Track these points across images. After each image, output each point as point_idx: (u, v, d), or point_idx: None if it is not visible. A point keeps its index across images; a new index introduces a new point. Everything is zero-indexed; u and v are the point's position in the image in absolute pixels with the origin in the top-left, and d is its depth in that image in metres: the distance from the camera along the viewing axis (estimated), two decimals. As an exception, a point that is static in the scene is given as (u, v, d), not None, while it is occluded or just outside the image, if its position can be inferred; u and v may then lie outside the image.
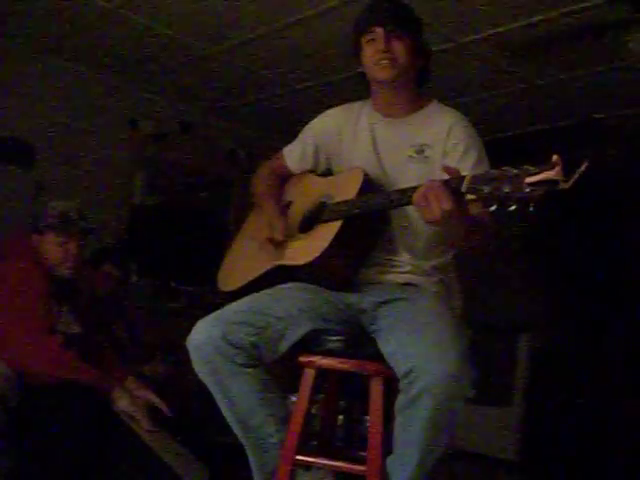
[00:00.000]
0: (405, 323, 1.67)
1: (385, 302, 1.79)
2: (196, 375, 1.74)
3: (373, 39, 1.85)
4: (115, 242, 4.24)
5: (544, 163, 1.38)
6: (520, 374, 4.62)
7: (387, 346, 1.65)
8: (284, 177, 2.13)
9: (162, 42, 3.84)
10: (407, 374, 1.53)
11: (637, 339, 4.32)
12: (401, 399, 1.58)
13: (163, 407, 2.50)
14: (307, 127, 2.08)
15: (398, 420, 1.61)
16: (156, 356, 3.48)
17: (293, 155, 2.09)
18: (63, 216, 2.62)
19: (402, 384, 1.56)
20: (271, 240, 1.92)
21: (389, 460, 1.66)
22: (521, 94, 4.10)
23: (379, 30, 1.84)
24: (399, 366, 1.57)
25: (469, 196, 1.51)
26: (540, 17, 3.15)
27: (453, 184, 1.51)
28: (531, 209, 1.39)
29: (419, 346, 1.56)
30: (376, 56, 1.84)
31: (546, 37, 3.34)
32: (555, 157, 1.37)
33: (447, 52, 3.51)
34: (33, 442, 2.29)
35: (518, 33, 3.32)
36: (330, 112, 2.06)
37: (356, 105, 2.02)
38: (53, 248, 2.60)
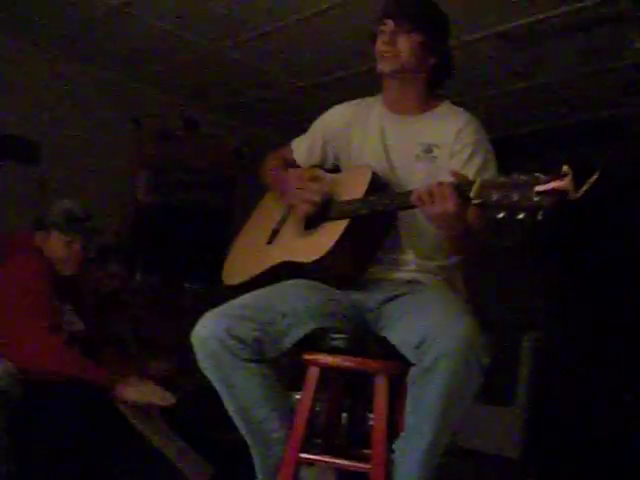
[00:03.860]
0: (412, 310, 1.68)
1: (390, 299, 1.80)
2: (200, 372, 1.74)
3: (383, 31, 1.85)
4: (120, 240, 4.24)
5: (554, 172, 1.37)
6: (523, 373, 4.62)
7: (396, 334, 1.65)
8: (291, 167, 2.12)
9: (167, 40, 3.84)
10: (420, 344, 1.53)
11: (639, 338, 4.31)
12: (414, 371, 1.57)
13: (168, 398, 2.48)
14: (317, 121, 2.08)
15: (411, 394, 1.59)
16: (160, 354, 3.48)
17: (301, 148, 2.09)
18: (69, 215, 2.62)
19: (415, 357, 1.55)
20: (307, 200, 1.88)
21: (397, 444, 1.64)
22: (525, 92, 4.09)
23: (389, 22, 1.84)
24: (411, 341, 1.56)
25: (475, 201, 1.50)
26: (544, 14, 3.15)
27: (462, 188, 1.51)
28: (540, 218, 1.39)
29: (429, 319, 1.56)
30: (381, 48, 1.85)
31: (550, 34, 3.33)
32: (565, 167, 1.36)
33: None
34: (35, 439, 2.29)
35: (522, 30, 3.32)
36: (340, 107, 2.05)
37: (367, 100, 2.02)
38: (58, 246, 2.61)
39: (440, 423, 1.56)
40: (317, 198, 1.86)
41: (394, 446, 1.64)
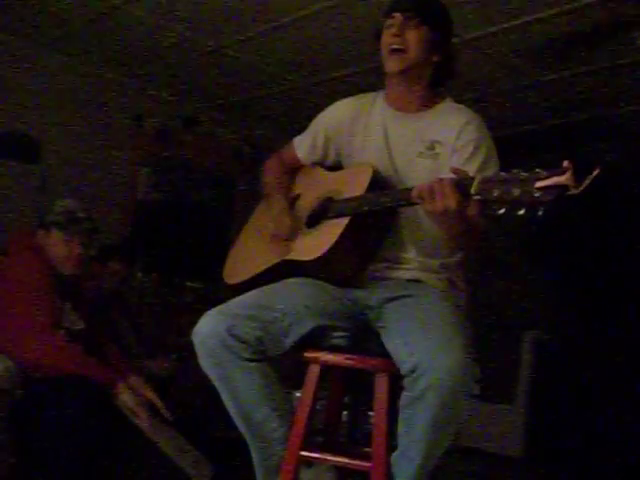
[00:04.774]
0: (410, 320, 1.67)
1: (391, 299, 1.79)
2: (200, 371, 1.74)
3: (391, 24, 1.85)
4: (120, 238, 4.24)
5: (555, 167, 1.37)
6: (524, 371, 4.62)
7: (392, 342, 1.65)
8: (294, 168, 2.12)
9: (167, 38, 3.84)
10: (412, 371, 1.53)
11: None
12: (405, 396, 1.58)
13: (162, 409, 2.49)
14: (318, 117, 2.07)
15: (402, 417, 1.61)
16: (160, 352, 3.48)
17: (303, 146, 2.08)
18: (69, 214, 2.63)
19: (406, 381, 1.56)
20: (276, 236, 1.92)
21: (394, 456, 1.66)
22: (527, 90, 4.09)
23: (397, 16, 1.84)
24: (403, 362, 1.57)
25: (476, 198, 1.50)
26: (546, 14, 3.14)
27: (462, 185, 1.51)
28: (540, 214, 1.39)
29: (424, 343, 1.55)
30: (389, 41, 1.84)
31: (552, 34, 3.33)
32: (566, 162, 1.36)
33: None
34: (36, 436, 2.30)
35: (525, 29, 3.31)
36: (342, 103, 2.04)
37: (369, 96, 2.01)
38: (58, 245, 2.61)
39: (430, 446, 1.59)
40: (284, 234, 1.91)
41: (391, 458, 1.66)
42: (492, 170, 1.78)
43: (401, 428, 1.62)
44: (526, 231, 4.68)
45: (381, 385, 1.70)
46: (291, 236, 1.91)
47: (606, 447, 4.03)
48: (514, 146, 3.64)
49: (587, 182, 1.33)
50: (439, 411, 1.52)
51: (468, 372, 1.52)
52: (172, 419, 2.48)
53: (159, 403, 2.49)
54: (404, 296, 1.78)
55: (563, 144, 4.53)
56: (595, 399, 4.28)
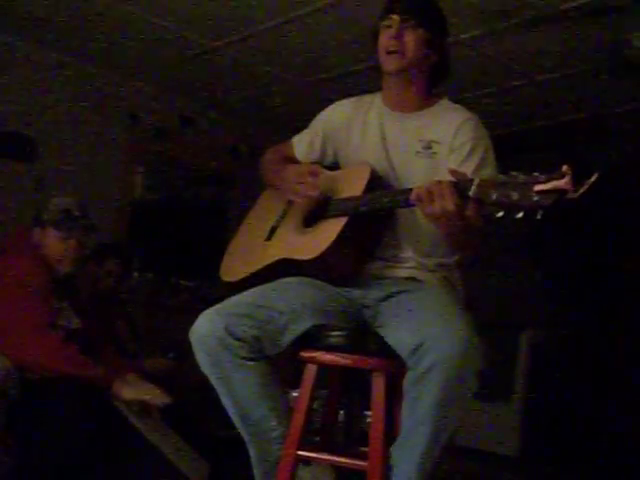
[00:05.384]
0: (410, 309, 1.67)
1: (388, 296, 1.79)
2: (197, 370, 1.74)
3: (388, 26, 1.86)
4: (116, 238, 4.24)
5: (554, 171, 1.37)
6: (521, 370, 4.62)
7: (393, 333, 1.65)
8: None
9: (164, 37, 3.83)
10: (416, 349, 1.53)
11: (637, 336, 4.32)
12: (410, 376, 1.57)
13: (164, 398, 2.48)
14: (317, 117, 2.08)
15: (407, 399, 1.59)
16: (157, 351, 3.48)
17: (301, 145, 2.08)
18: (65, 212, 2.62)
19: (411, 361, 1.55)
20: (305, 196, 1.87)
21: (394, 447, 1.64)
22: (525, 90, 4.09)
23: (395, 17, 1.84)
24: (407, 344, 1.56)
25: (474, 200, 1.50)
26: (539, 13, 3.15)
27: (461, 187, 1.51)
28: (538, 217, 1.39)
29: (427, 322, 1.56)
30: (386, 43, 1.85)
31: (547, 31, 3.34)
32: (565, 167, 1.36)
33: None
34: (33, 437, 2.29)
35: (517, 28, 3.32)
36: (340, 103, 2.06)
37: (366, 98, 2.02)
38: (54, 243, 2.60)
39: (435, 428, 1.56)
40: (315, 193, 1.85)
41: (391, 449, 1.64)
42: (490, 169, 1.79)
43: (405, 412, 1.60)
44: (523, 231, 4.68)
45: (378, 384, 1.70)
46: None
47: (603, 446, 4.03)
48: (512, 146, 3.65)
49: (586, 187, 1.34)
50: (445, 388, 1.51)
51: (474, 346, 1.51)
52: (174, 405, 2.47)
53: (158, 392, 2.48)
54: (399, 292, 1.79)
55: (562, 144, 4.54)
56: (591, 398, 4.29)
